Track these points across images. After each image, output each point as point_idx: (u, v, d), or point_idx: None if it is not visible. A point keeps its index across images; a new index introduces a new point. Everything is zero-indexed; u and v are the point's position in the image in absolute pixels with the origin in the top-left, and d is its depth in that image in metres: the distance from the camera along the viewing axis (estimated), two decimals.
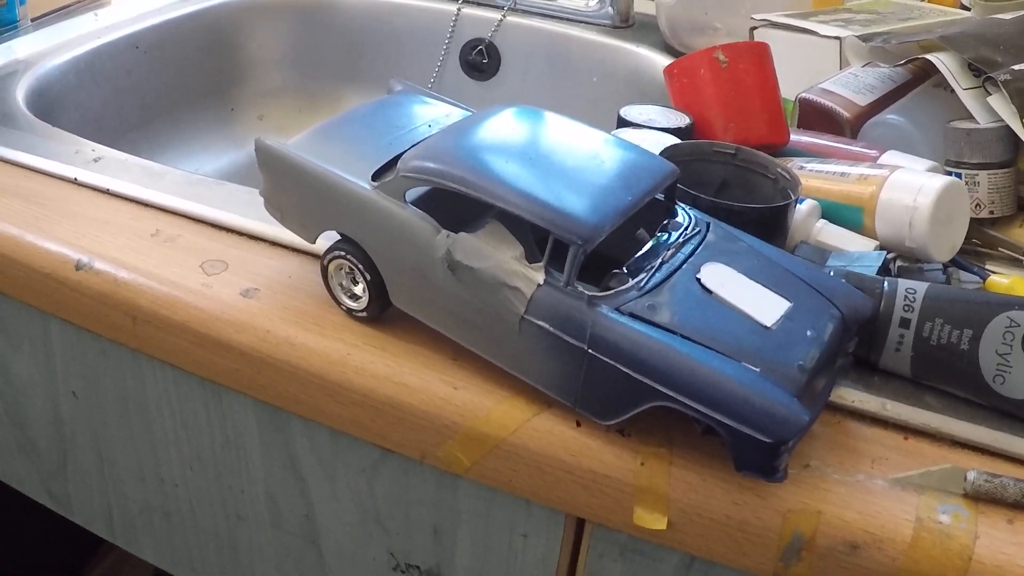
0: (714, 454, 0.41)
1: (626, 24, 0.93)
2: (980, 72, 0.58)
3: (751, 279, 0.42)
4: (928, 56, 0.61)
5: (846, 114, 0.63)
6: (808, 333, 0.40)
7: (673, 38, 0.86)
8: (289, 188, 0.47)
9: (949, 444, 0.43)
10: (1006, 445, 0.42)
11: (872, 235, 0.53)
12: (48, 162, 0.61)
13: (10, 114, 0.67)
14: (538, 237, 0.47)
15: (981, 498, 0.40)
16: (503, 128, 0.45)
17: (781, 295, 0.42)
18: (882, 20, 0.70)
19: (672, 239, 0.44)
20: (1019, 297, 0.44)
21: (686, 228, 0.45)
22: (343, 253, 0.46)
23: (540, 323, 0.40)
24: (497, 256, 0.41)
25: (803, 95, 0.65)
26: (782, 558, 0.40)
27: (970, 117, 0.58)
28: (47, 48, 0.78)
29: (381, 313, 0.47)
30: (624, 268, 0.42)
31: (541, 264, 0.40)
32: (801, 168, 0.57)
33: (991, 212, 0.58)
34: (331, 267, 0.47)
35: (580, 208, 0.40)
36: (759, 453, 0.37)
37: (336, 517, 0.54)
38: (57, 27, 0.82)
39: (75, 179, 0.59)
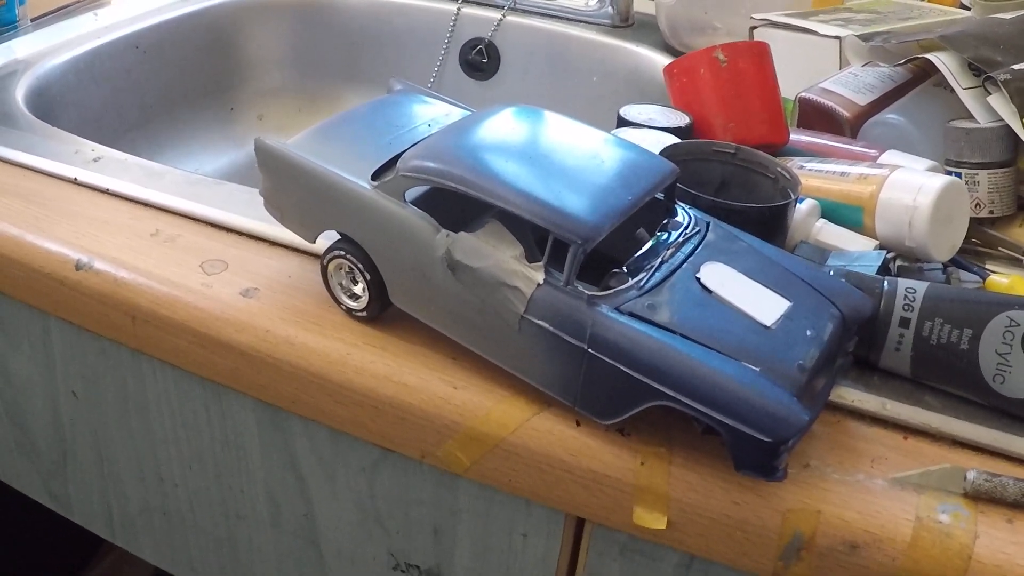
0: (714, 454, 0.41)
1: (626, 24, 0.93)
2: (980, 72, 0.58)
3: (751, 279, 0.42)
4: (928, 56, 0.61)
5: (846, 113, 0.63)
6: (808, 333, 0.40)
7: (673, 38, 0.86)
8: (289, 188, 0.47)
9: (949, 444, 0.43)
10: (1006, 445, 0.42)
11: (872, 235, 0.53)
12: (48, 162, 0.61)
13: (10, 114, 0.67)
14: (538, 237, 0.47)
15: (981, 498, 0.40)
16: (503, 128, 0.45)
17: (781, 294, 0.42)
18: (882, 19, 0.70)
19: (672, 239, 0.44)
20: (1019, 297, 0.44)
21: (686, 228, 0.45)
22: (343, 253, 0.46)
23: (540, 322, 0.40)
24: (497, 256, 0.41)
25: (803, 94, 0.65)
26: (782, 557, 0.40)
27: (970, 117, 0.58)
28: (47, 48, 0.78)
29: (381, 313, 0.47)
30: (624, 268, 0.42)
31: (541, 264, 0.40)
32: (801, 167, 0.57)
33: (991, 212, 0.58)
34: (331, 267, 0.47)
35: (580, 208, 0.40)
36: (759, 453, 0.37)
37: (336, 517, 0.54)
38: (57, 27, 0.82)
39: (75, 179, 0.59)
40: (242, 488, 0.57)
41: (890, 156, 0.58)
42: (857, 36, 0.66)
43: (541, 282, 0.40)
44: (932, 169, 0.56)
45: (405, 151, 0.44)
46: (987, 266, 0.54)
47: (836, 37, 0.69)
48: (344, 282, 0.47)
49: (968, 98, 0.58)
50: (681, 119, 0.62)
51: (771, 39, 0.69)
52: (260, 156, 0.47)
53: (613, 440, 0.42)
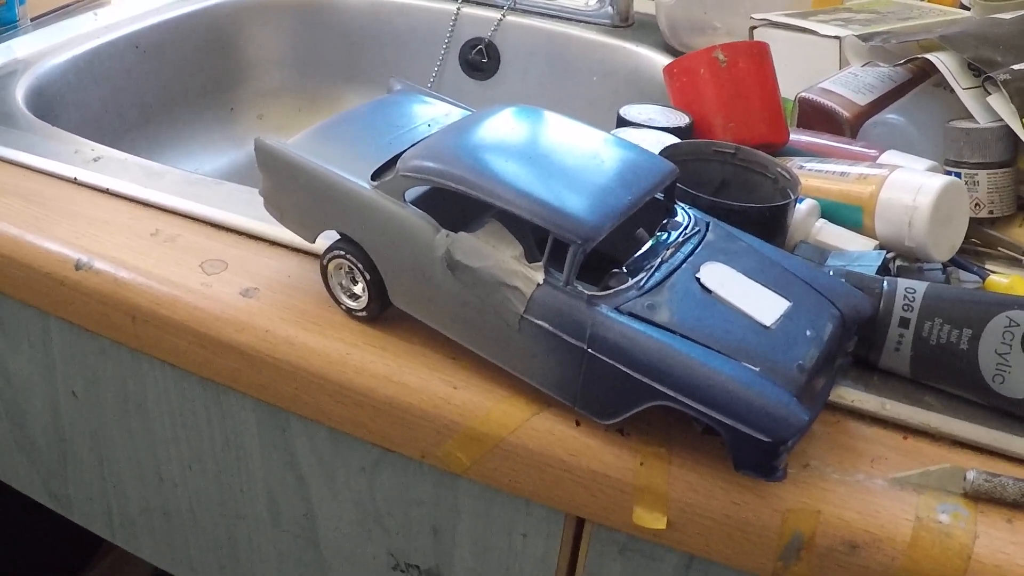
0: (713, 454, 0.41)
1: (626, 24, 0.93)
2: (980, 72, 0.58)
3: (750, 278, 0.42)
4: (928, 56, 0.61)
5: (846, 113, 0.63)
6: (808, 333, 0.40)
7: (673, 37, 0.86)
8: (289, 188, 0.47)
9: (948, 444, 0.43)
10: (1005, 444, 0.42)
11: (871, 235, 0.53)
12: (48, 162, 0.61)
13: (9, 114, 0.67)
14: (538, 237, 0.47)
15: (980, 498, 0.40)
16: (503, 127, 0.45)
17: (781, 294, 0.42)
18: (882, 19, 0.70)
19: (672, 238, 0.44)
20: (1018, 297, 0.44)
21: (685, 227, 0.45)
22: (343, 252, 0.46)
23: (540, 322, 0.40)
24: (497, 256, 0.41)
25: (803, 94, 0.65)
26: (781, 558, 0.40)
27: (970, 117, 0.58)
28: (47, 48, 0.78)
29: (381, 313, 0.47)
30: (624, 267, 0.42)
31: (541, 264, 0.40)
32: (801, 167, 0.57)
33: (991, 212, 0.58)
34: (331, 266, 0.47)
35: (579, 208, 0.40)
36: (758, 453, 0.37)
37: (336, 516, 0.54)
38: (56, 27, 0.82)
39: (75, 179, 0.59)
40: (242, 488, 0.57)
41: (890, 156, 0.58)
42: (857, 36, 0.66)
43: (541, 282, 0.40)
44: (932, 169, 0.56)
45: (405, 151, 0.44)
46: (987, 266, 0.54)
47: (836, 37, 0.69)
48: (344, 282, 0.47)
49: (968, 98, 0.58)
50: (681, 119, 0.62)
51: (771, 39, 0.69)
52: (260, 156, 0.47)
53: (613, 440, 0.42)
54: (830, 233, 0.53)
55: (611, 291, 0.40)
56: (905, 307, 0.44)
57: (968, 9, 0.76)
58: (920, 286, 0.45)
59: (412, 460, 0.49)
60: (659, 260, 0.42)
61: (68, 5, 0.87)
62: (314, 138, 0.47)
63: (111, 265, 0.51)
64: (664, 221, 0.45)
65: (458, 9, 0.95)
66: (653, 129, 0.60)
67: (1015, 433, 0.43)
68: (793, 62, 0.67)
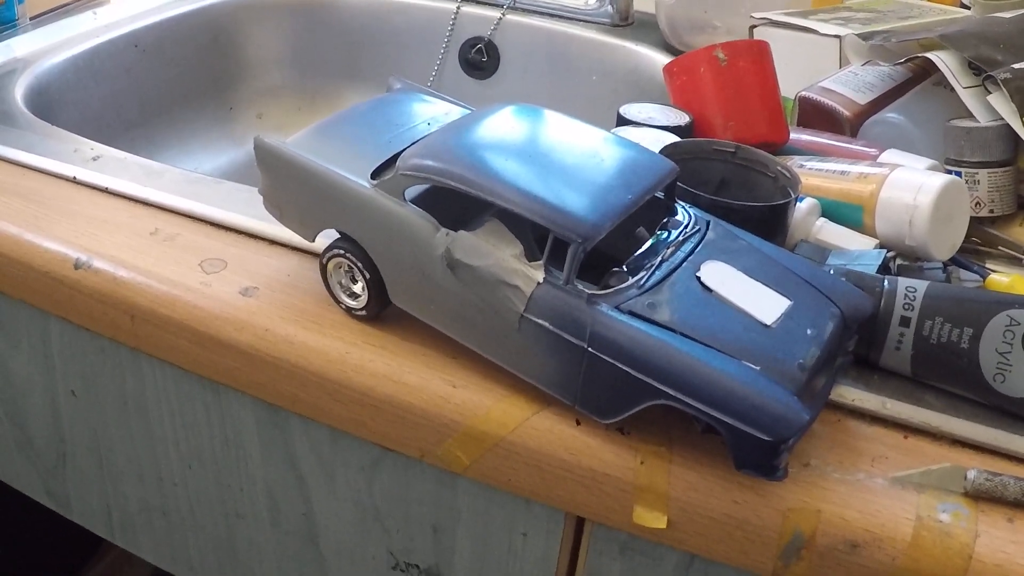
0: (714, 453, 0.41)
1: (625, 22, 0.93)
2: (980, 71, 0.58)
3: (751, 277, 0.42)
4: (928, 54, 0.61)
5: (846, 112, 0.63)
6: (808, 331, 0.40)
7: (673, 36, 0.86)
8: (288, 186, 0.47)
9: (949, 443, 0.43)
10: (1006, 444, 0.42)
11: (872, 233, 0.53)
12: (47, 161, 0.61)
13: (9, 113, 0.67)
14: (538, 235, 0.47)
15: (981, 497, 0.40)
16: (502, 126, 0.45)
17: (781, 293, 0.42)
18: (882, 18, 0.70)
19: (672, 237, 0.44)
20: (1019, 296, 0.44)
21: (686, 226, 0.45)
22: (342, 251, 0.46)
23: (540, 321, 0.40)
24: (497, 254, 0.41)
25: (803, 93, 0.65)
26: (782, 557, 0.40)
27: (970, 115, 0.58)
28: (46, 47, 0.78)
29: (380, 311, 0.47)
30: (624, 266, 0.42)
31: (541, 262, 0.40)
32: (801, 166, 0.57)
33: (991, 211, 0.58)
34: (330, 265, 0.47)
35: (580, 206, 0.40)
36: (759, 452, 0.37)
37: (335, 516, 0.54)
38: (56, 26, 0.82)
39: (74, 178, 0.59)
40: (241, 487, 0.57)
41: (890, 155, 0.58)
42: (857, 35, 0.66)
43: (541, 281, 0.40)
44: (932, 168, 0.56)
45: (405, 150, 0.44)
46: (987, 265, 0.54)
47: (836, 36, 0.69)
48: (343, 281, 0.47)
49: (968, 97, 0.58)
50: (681, 118, 0.61)
51: (771, 38, 0.68)
52: (259, 155, 0.47)
53: (613, 439, 0.42)
54: (830, 232, 0.53)
55: (611, 290, 0.40)
56: (906, 306, 0.44)
57: (968, 8, 0.76)
58: (921, 285, 0.45)
59: (412, 459, 0.49)
60: (659, 259, 0.42)
61: (67, 4, 0.87)
62: (314, 137, 0.47)
63: (110, 264, 0.51)
64: (664, 220, 0.45)
65: (458, 8, 0.95)
66: (653, 128, 0.59)
67: (1016, 432, 0.42)
68: (793, 61, 0.67)
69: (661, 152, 0.51)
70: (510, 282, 0.41)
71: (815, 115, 0.64)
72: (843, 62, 0.70)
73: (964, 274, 0.51)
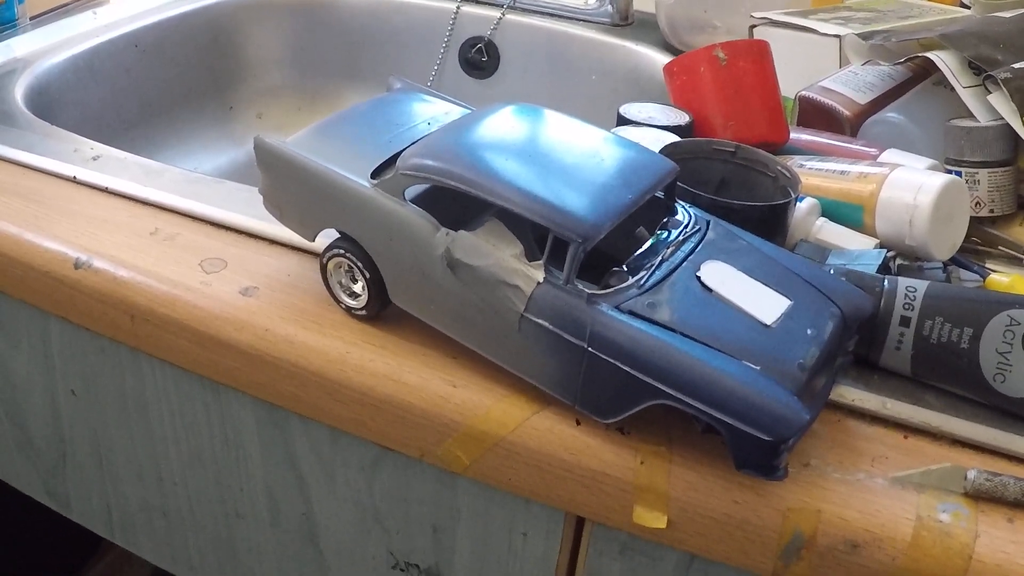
0: (714, 452, 0.41)
1: (625, 22, 0.93)
2: (980, 70, 0.58)
3: (751, 277, 0.42)
4: (928, 54, 0.61)
5: (846, 112, 0.63)
6: (808, 331, 0.40)
7: (673, 36, 0.86)
8: (288, 186, 0.47)
9: (949, 443, 0.43)
10: (1006, 444, 0.42)
11: (872, 233, 0.53)
12: (47, 160, 0.60)
13: (9, 112, 0.67)
14: (538, 235, 0.47)
15: (981, 497, 0.40)
16: (502, 126, 0.45)
17: (781, 293, 0.42)
18: (882, 18, 0.70)
19: (672, 237, 0.44)
20: (1019, 295, 0.44)
21: (686, 226, 0.44)
22: (342, 251, 0.46)
23: (540, 321, 0.40)
24: (497, 254, 0.41)
25: (803, 93, 0.65)
26: (782, 557, 0.40)
27: (970, 115, 0.58)
28: (46, 46, 0.78)
29: (380, 311, 0.47)
30: (624, 266, 0.42)
31: (541, 262, 0.40)
32: (801, 166, 0.57)
33: (991, 210, 0.58)
34: (330, 265, 0.47)
35: (580, 206, 0.40)
36: (759, 451, 0.37)
37: (335, 515, 0.54)
38: (56, 25, 0.82)
39: (74, 177, 0.59)
40: (241, 487, 0.57)
41: (890, 155, 0.58)
42: (857, 35, 0.66)
43: (541, 280, 0.40)
44: (932, 168, 0.56)
45: (405, 149, 0.44)
46: (987, 265, 0.54)
47: (836, 36, 0.69)
48: (344, 280, 0.47)
49: (968, 97, 0.58)
50: (681, 117, 0.61)
51: (771, 38, 0.68)
52: (259, 154, 0.47)
53: (613, 439, 0.42)
54: (830, 232, 0.53)
55: (611, 289, 0.40)
56: (906, 306, 0.44)
57: (968, 7, 0.76)
58: (921, 285, 0.45)
59: (412, 459, 0.49)
60: (659, 259, 0.42)
61: (67, 4, 0.87)
62: (314, 136, 0.47)
63: (110, 264, 0.51)
64: (664, 220, 0.45)
65: (458, 8, 0.95)
66: (653, 127, 0.59)
67: (1016, 432, 0.42)
68: (793, 61, 0.67)
69: (661, 152, 0.51)
70: (510, 282, 0.41)
71: (815, 115, 0.64)
72: (843, 62, 0.70)
73: (964, 274, 0.51)
